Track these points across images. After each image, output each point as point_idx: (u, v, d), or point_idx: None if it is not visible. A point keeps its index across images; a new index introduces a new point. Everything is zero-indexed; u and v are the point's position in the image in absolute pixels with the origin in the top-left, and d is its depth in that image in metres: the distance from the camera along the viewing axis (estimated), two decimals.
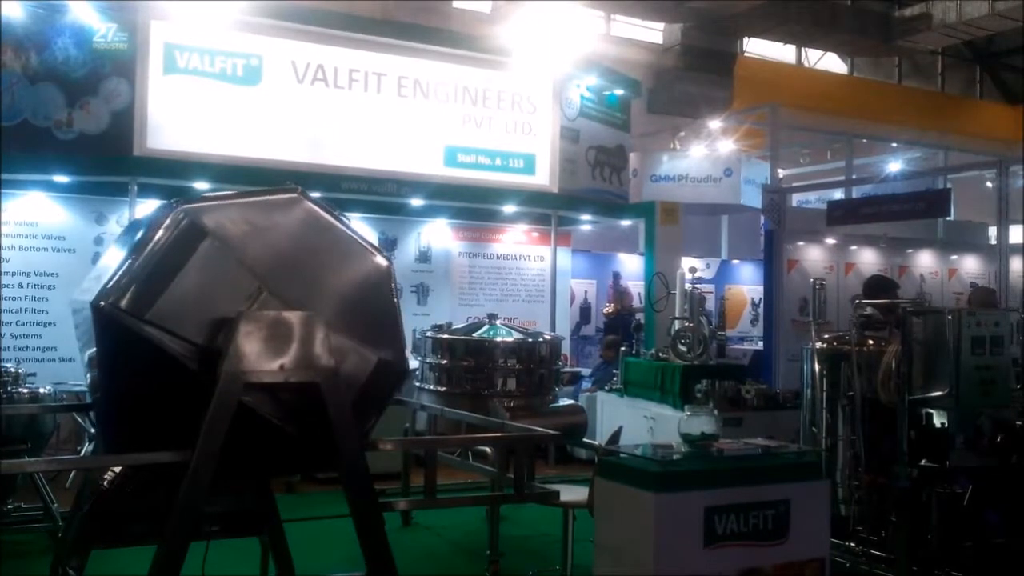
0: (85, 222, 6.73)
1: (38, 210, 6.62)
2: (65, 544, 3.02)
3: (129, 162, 6.26)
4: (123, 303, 2.36)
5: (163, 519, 2.40)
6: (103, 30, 6.16)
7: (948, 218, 8.22)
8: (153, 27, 6.31)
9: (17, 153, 5.88)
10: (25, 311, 6.48)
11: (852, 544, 3.83)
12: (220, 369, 2.37)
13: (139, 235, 2.55)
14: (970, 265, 8.37)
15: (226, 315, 2.41)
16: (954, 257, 8.34)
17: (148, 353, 2.37)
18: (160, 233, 2.49)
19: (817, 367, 4.14)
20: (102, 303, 2.37)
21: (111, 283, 2.41)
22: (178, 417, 2.44)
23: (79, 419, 5.10)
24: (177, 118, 6.44)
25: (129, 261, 2.46)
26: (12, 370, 4.32)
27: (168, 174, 6.36)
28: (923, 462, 3.59)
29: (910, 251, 8.08)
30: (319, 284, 2.56)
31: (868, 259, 7.74)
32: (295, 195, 2.68)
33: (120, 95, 6.22)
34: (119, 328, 2.37)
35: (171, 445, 2.43)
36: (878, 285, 5.06)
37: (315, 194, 2.95)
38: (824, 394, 4.10)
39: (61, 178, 6.37)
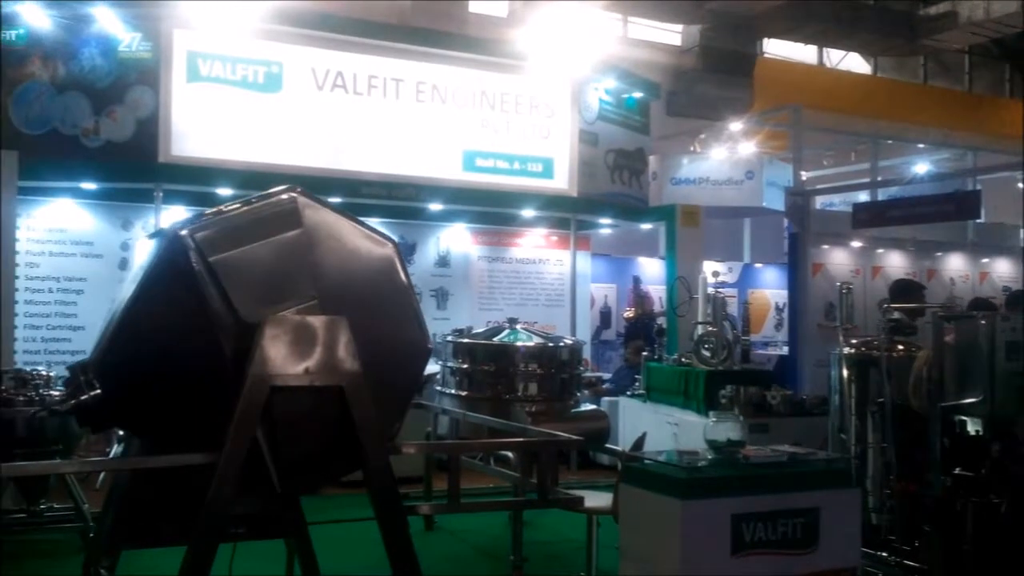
0: (112, 228, 6.85)
1: (67, 216, 6.76)
2: (97, 545, 3.05)
3: (154, 169, 6.36)
4: (198, 236, 2.42)
5: (191, 521, 2.41)
6: (128, 39, 6.27)
7: (978, 220, 8.03)
8: (176, 36, 6.41)
9: (46, 161, 6.00)
10: (55, 315, 6.60)
11: (884, 554, 3.74)
12: (246, 371, 2.38)
13: (254, 196, 2.65)
14: (1002, 268, 8.18)
15: (274, 304, 2.44)
16: (985, 260, 8.16)
17: (190, 308, 2.37)
18: (264, 203, 2.58)
19: (845, 372, 4.06)
20: (181, 229, 2.44)
21: (198, 220, 2.51)
22: (180, 403, 2.43)
23: None
24: (200, 125, 6.53)
25: (224, 212, 2.56)
26: (44, 373, 4.39)
27: (192, 180, 6.45)
28: (957, 470, 3.50)
29: (939, 254, 7.91)
30: (361, 327, 2.55)
31: (896, 262, 7.60)
32: (388, 243, 2.76)
33: (145, 103, 6.33)
34: (180, 259, 2.39)
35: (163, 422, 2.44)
36: (905, 289, 4.97)
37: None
38: (853, 400, 4.02)
39: (89, 185, 6.49)
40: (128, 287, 2.62)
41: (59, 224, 6.72)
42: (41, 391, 4.16)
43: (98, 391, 2.50)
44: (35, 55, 6.12)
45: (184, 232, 2.43)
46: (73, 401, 2.52)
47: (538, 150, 7.71)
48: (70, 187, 6.53)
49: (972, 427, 3.53)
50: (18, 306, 6.01)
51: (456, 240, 8.20)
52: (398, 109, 7.16)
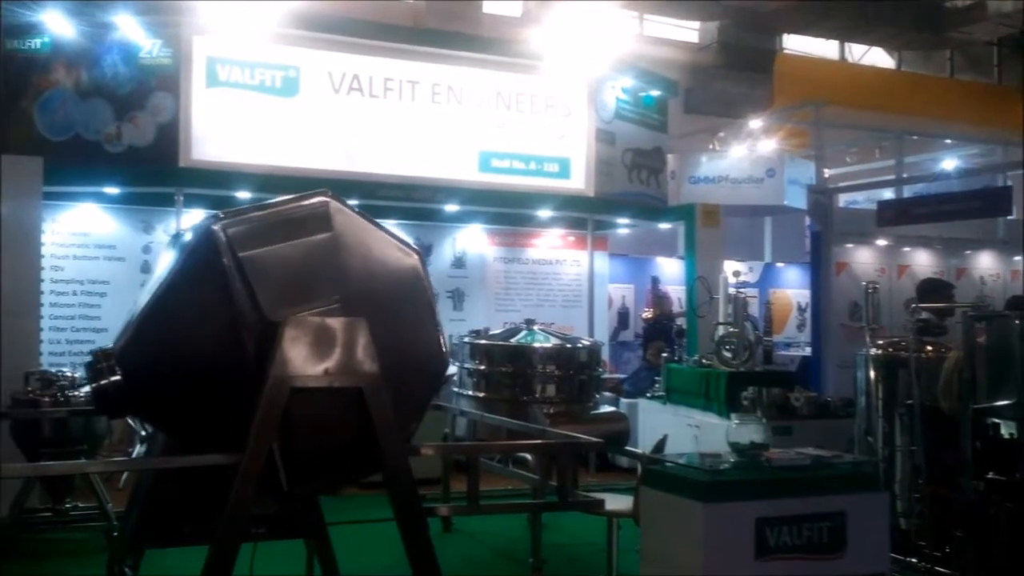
0: (134, 232, 6.95)
1: (90, 221, 6.87)
2: (120, 544, 3.08)
3: (175, 173, 6.43)
4: (230, 231, 2.45)
5: (214, 520, 2.41)
6: (148, 46, 6.35)
7: (1010, 217, 7.81)
8: (196, 42, 6.47)
9: (70, 166, 6.10)
10: (79, 318, 6.72)
11: (914, 560, 3.65)
12: (267, 372, 2.38)
13: (287, 198, 2.68)
14: None
15: (298, 304, 2.45)
16: (1017, 258, 7.94)
17: (217, 302, 2.39)
18: (296, 205, 2.62)
19: (873, 374, 3.97)
20: (216, 223, 2.48)
21: (235, 215, 2.54)
22: (197, 398, 2.44)
23: (131, 422, 5.25)
24: (220, 130, 6.58)
25: (256, 211, 2.60)
26: (69, 374, 4.46)
27: (212, 184, 6.52)
28: (990, 475, 3.40)
29: (968, 252, 7.71)
30: (382, 332, 2.56)
31: (923, 261, 7.42)
32: (413, 253, 2.79)
33: (166, 108, 6.40)
34: (211, 253, 2.41)
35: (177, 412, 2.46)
36: (933, 288, 4.85)
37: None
38: (880, 402, 3.93)
39: (111, 189, 6.59)
40: (152, 284, 2.65)
41: (83, 228, 6.83)
42: (66, 392, 4.22)
43: (118, 378, 2.51)
44: (59, 63, 6.23)
45: (216, 227, 2.46)
46: (93, 386, 2.54)
47: (554, 150, 7.66)
48: (93, 192, 6.63)
49: (1006, 430, 3.43)
50: (43, 309, 6.10)
51: (472, 241, 8.19)
52: (414, 111, 7.17)
